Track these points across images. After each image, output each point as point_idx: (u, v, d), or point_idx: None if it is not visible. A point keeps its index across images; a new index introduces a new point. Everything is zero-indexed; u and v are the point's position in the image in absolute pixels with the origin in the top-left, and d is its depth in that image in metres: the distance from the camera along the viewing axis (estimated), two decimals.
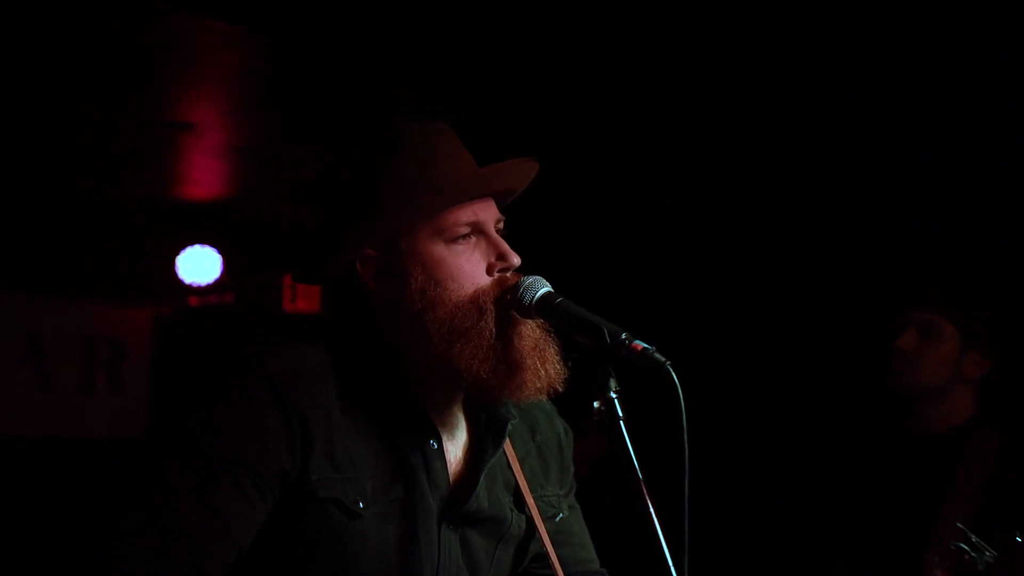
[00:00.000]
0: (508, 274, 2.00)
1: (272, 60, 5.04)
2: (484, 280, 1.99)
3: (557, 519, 2.16)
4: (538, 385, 1.97)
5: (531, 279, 1.98)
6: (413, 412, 2.00)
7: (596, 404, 1.84)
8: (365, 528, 1.91)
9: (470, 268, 1.99)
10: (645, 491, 1.79)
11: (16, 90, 5.35)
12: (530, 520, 2.11)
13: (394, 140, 2.02)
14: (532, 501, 2.11)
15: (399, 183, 1.99)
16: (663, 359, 1.80)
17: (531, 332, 1.98)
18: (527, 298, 1.95)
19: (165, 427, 1.95)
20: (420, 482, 1.97)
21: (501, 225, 2.05)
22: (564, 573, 2.13)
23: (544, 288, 1.96)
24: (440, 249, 1.98)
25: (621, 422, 1.83)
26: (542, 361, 1.98)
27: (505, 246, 2.01)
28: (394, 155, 2.01)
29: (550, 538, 2.12)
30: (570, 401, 2.10)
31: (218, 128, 6.00)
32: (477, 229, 2.00)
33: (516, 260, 2.01)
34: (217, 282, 7.40)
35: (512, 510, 2.09)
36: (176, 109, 5.64)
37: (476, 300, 1.96)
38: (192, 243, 7.32)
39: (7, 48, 4.87)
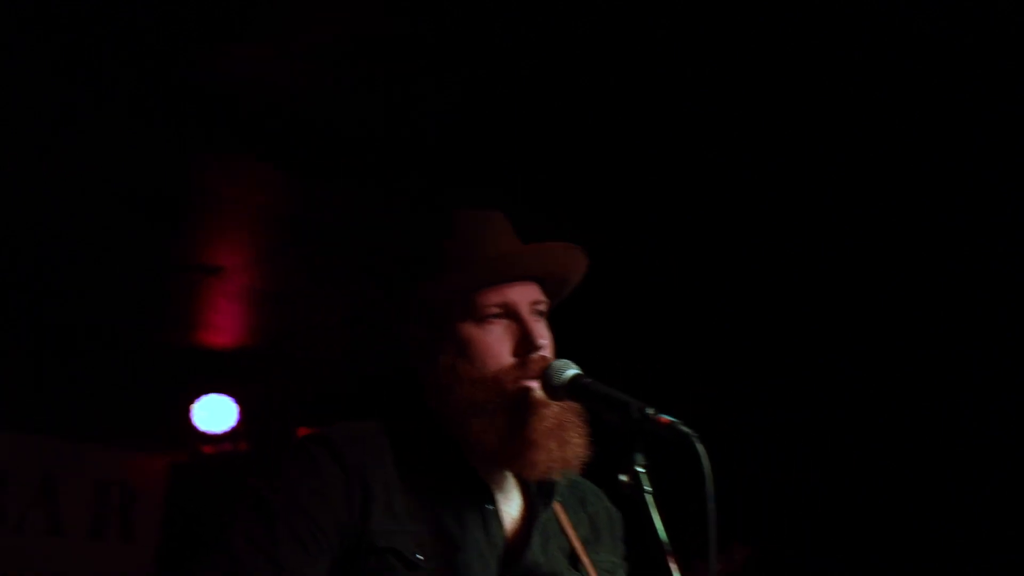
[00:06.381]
0: (535, 356, 2.05)
1: (302, 200, 5.17)
2: (508, 360, 2.05)
3: None
4: (550, 465, 2.02)
5: (560, 362, 2.03)
6: (467, 475, 2.06)
7: (623, 478, 1.86)
8: None
9: (497, 348, 2.06)
10: (672, 563, 1.81)
11: (39, 228, 5.44)
12: None
13: (444, 225, 2.15)
14: (588, 561, 2.14)
15: (436, 264, 2.11)
16: (688, 431, 1.84)
17: (553, 414, 2.03)
18: (556, 380, 2.01)
19: (239, 491, 2.02)
20: (477, 541, 2.01)
21: (542, 308, 2.12)
22: None
23: (572, 370, 2.02)
24: (470, 328, 2.07)
25: (647, 495, 1.86)
26: (560, 444, 2.02)
27: (534, 329, 2.07)
28: (443, 239, 2.14)
29: None
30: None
31: (244, 271, 6.10)
32: (508, 310, 2.08)
33: (542, 343, 2.06)
34: (232, 430, 7.42)
35: (568, 568, 2.12)
36: (206, 252, 5.74)
37: (496, 379, 2.03)
38: (208, 391, 7.38)
39: (33, 183, 4.97)
